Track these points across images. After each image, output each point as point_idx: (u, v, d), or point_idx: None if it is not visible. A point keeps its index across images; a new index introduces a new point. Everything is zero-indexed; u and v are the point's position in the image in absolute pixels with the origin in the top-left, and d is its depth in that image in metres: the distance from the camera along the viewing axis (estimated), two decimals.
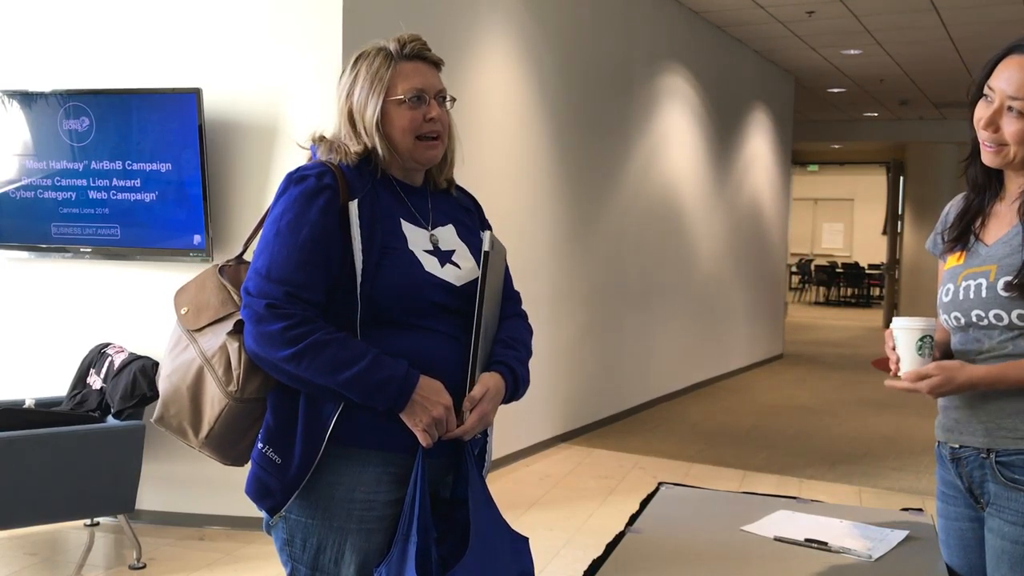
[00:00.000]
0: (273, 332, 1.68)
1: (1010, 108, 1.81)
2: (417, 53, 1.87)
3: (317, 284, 1.72)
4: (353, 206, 1.76)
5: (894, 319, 1.91)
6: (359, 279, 1.73)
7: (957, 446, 1.91)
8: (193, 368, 1.81)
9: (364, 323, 1.74)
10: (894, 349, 1.89)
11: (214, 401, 1.78)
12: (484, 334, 1.82)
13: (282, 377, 1.71)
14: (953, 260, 1.96)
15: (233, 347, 1.76)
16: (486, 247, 1.83)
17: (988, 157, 1.88)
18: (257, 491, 1.77)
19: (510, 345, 1.90)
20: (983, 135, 1.87)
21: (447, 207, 1.96)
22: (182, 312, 1.88)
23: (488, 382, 1.80)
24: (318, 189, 1.76)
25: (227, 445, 1.82)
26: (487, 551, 1.78)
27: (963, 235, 1.96)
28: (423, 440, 1.72)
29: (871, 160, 19.20)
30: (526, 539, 1.91)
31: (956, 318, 1.90)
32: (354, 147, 1.83)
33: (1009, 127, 1.82)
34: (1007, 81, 1.81)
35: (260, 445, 1.76)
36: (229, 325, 1.80)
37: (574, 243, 6.60)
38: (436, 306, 1.80)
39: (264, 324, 1.68)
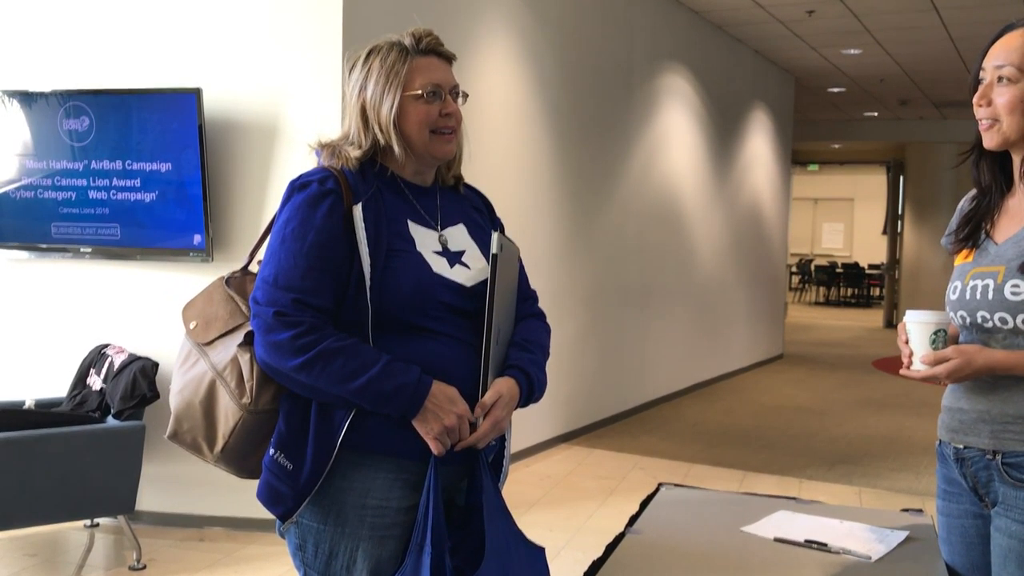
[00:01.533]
0: (282, 341, 1.66)
1: (1000, 79, 1.81)
2: (432, 48, 1.86)
3: (325, 290, 1.71)
4: (357, 210, 1.74)
5: (908, 312, 1.87)
6: (368, 283, 1.71)
7: (962, 446, 1.89)
8: (205, 382, 1.79)
9: (376, 328, 1.72)
10: (907, 343, 1.86)
11: (228, 414, 1.76)
12: (496, 338, 1.79)
13: (294, 387, 1.70)
14: (962, 257, 1.94)
15: (244, 359, 1.75)
16: (494, 249, 1.80)
17: (986, 139, 1.86)
18: (269, 497, 1.76)
19: (525, 348, 1.88)
20: (979, 113, 1.85)
21: (457, 206, 1.94)
22: (191, 327, 1.86)
23: (501, 387, 1.78)
24: (321, 194, 1.74)
25: (242, 458, 1.81)
26: (502, 562, 1.76)
27: (973, 233, 1.92)
28: (435, 448, 1.70)
29: (871, 160, 19.20)
30: (542, 549, 1.89)
31: (962, 317, 1.87)
32: (354, 152, 1.81)
33: (1000, 97, 1.81)
34: (997, 55, 1.82)
35: (272, 451, 1.74)
36: (239, 337, 1.78)
37: (574, 243, 6.60)
38: (446, 307, 1.78)
39: (273, 333, 1.67)
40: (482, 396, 1.76)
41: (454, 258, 1.83)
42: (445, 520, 1.74)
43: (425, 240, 1.82)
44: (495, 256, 1.79)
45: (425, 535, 1.69)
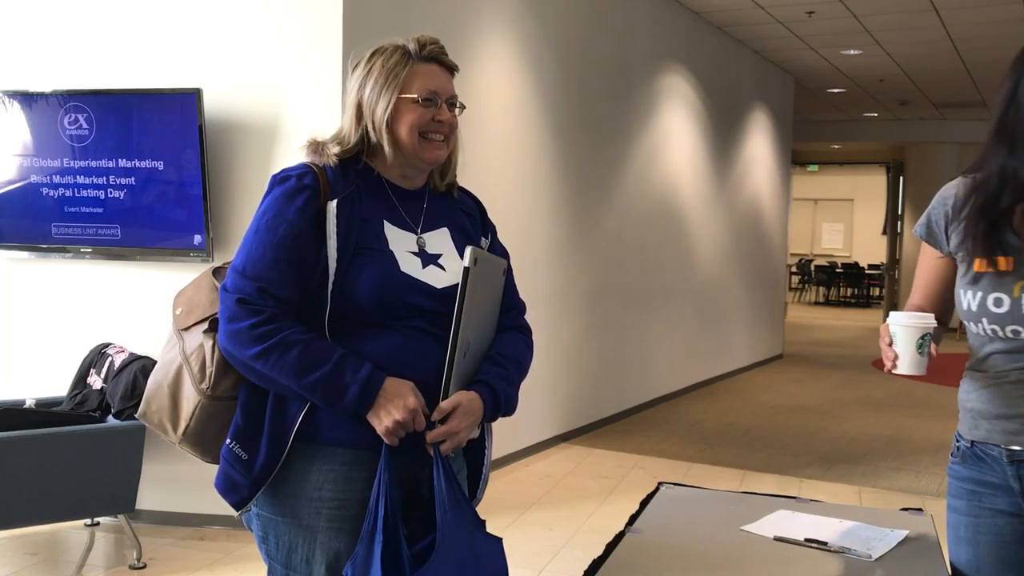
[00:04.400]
0: (242, 329, 1.69)
1: None
2: (435, 56, 1.87)
3: (290, 281, 1.73)
4: (331, 205, 1.77)
5: (892, 314, 1.85)
6: (331, 278, 1.73)
7: (1019, 448, 1.85)
8: (174, 366, 1.83)
9: (332, 321, 1.74)
10: (890, 345, 1.83)
11: (189, 399, 1.80)
12: (464, 351, 1.77)
13: (252, 376, 1.72)
14: (985, 264, 1.84)
15: (208, 345, 1.78)
16: (466, 263, 1.77)
17: None
18: (224, 485, 1.79)
19: (498, 363, 1.86)
20: None
21: (445, 210, 1.94)
22: (176, 312, 1.91)
23: (461, 398, 1.76)
24: (298, 189, 1.78)
25: (206, 443, 1.83)
26: (458, 553, 1.75)
27: (1001, 240, 1.83)
28: (388, 441, 1.71)
29: (871, 160, 19.21)
30: (499, 539, 1.88)
31: (1015, 332, 1.80)
32: (334, 149, 1.84)
33: None
34: None
35: (228, 441, 1.77)
36: None
37: (574, 243, 6.60)
38: (414, 308, 1.78)
39: (235, 321, 1.70)
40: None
41: (428, 260, 1.84)
42: (407, 509, 1.75)
43: (400, 241, 1.83)
44: (467, 270, 1.76)
45: (376, 524, 1.69)
